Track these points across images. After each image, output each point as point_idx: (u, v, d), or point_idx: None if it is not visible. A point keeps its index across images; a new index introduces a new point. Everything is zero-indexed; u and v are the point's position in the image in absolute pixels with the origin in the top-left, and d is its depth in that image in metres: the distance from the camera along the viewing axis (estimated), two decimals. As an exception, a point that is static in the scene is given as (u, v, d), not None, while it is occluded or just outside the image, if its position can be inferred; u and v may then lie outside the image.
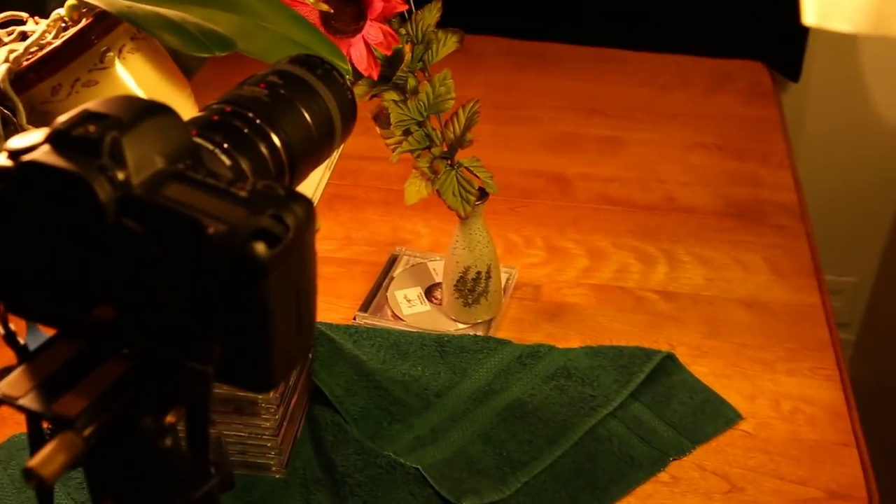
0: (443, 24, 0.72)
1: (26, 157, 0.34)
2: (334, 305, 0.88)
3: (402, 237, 0.98)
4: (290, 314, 0.37)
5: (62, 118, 0.35)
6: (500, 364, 0.80)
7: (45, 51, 0.52)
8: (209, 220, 0.34)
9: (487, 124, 1.16)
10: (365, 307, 0.87)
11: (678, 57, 1.33)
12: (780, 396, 0.78)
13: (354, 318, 0.86)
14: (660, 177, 1.08)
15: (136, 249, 0.35)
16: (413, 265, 0.92)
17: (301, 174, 0.47)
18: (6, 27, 0.56)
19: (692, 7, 1.34)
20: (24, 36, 0.56)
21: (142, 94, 0.56)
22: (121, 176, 0.34)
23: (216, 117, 0.43)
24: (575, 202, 1.03)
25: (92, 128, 0.34)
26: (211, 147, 0.41)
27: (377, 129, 0.75)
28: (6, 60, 0.51)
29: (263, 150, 0.43)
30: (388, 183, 1.05)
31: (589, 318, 0.87)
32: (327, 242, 0.97)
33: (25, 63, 0.52)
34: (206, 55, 0.50)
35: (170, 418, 0.39)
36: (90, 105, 0.35)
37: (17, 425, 0.75)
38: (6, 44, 0.55)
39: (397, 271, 0.92)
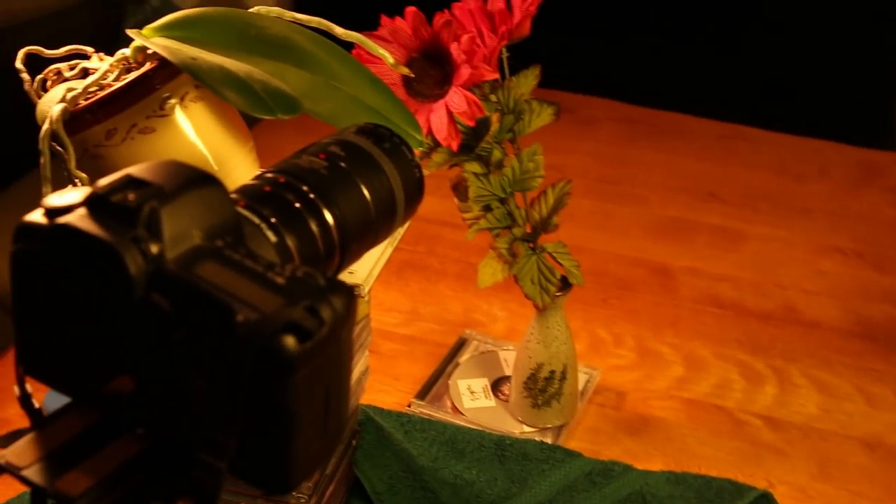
0: (548, 81, 0.74)
1: (61, 219, 0.37)
2: (389, 388, 0.91)
3: (475, 318, 1.00)
4: (317, 415, 0.39)
5: (103, 182, 0.38)
6: (566, 479, 0.80)
7: (104, 92, 0.57)
8: (240, 305, 0.36)
9: (587, 199, 1.18)
10: (422, 394, 0.89)
11: (818, 142, 1.32)
12: (893, 561, 0.76)
13: (409, 405, 0.88)
14: (780, 281, 1.07)
15: (162, 327, 0.38)
16: (482, 352, 0.94)
17: (354, 255, 0.49)
18: (69, 60, 0.61)
19: (838, 84, 1.33)
20: (85, 72, 0.60)
21: (200, 145, 0.60)
22: (154, 249, 0.37)
23: (268, 188, 0.46)
24: (677, 300, 1.04)
25: (131, 195, 0.37)
26: (257, 221, 0.44)
27: (455, 200, 0.78)
28: (63, 99, 0.55)
29: (314, 227, 0.46)
30: (466, 254, 1.07)
31: (677, 437, 0.86)
32: (391, 315, 1.00)
33: (83, 103, 0.56)
34: (268, 117, 0.54)
35: (176, 510, 0.41)
36: (133, 170, 0.39)
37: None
38: (67, 79, 0.60)
39: (464, 357, 0.93)
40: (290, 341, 0.36)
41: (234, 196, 0.45)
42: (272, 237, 0.44)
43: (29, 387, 0.44)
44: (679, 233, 1.15)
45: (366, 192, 0.49)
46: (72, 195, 0.39)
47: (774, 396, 0.91)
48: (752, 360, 0.96)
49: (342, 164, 0.48)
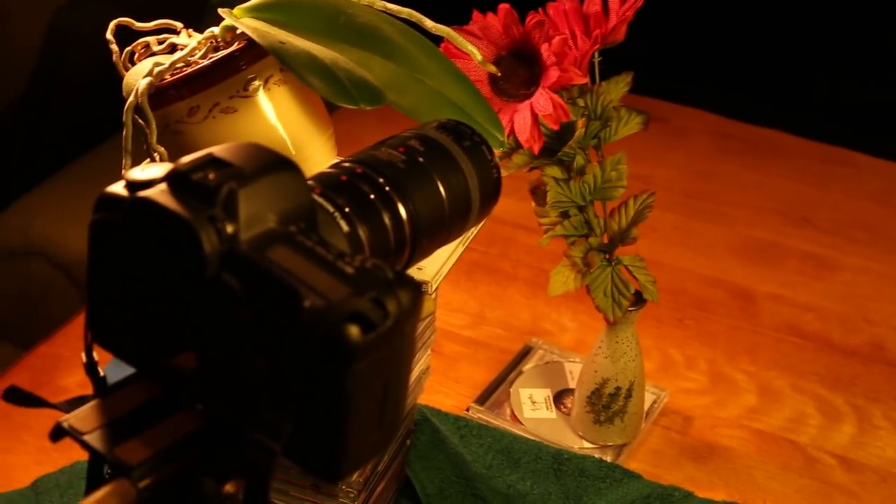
0: (641, 87, 0.75)
1: (142, 193, 0.40)
2: (449, 390, 0.93)
3: (543, 327, 1.01)
4: (374, 406, 0.41)
5: (185, 159, 0.41)
6: (623, 500, 0.81)
7: (190, 69, 0.60)
8: (308, 292, 0.39)
9: (671, 213, 1.18)
10: (482, 399, 0.91)
11: (926, 173, 1.31)
12: None
13: (468, 410, 0.90)
14: (870, 316, 1.06)
15: (230, 306, 0.40)
16: (547, 362, 0.95)
17: (424, 251, 0.52)
18: (158, 34, 0.65)
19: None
20: (173, 48, 0.64)
21: (280, 129, 0.62)
22: (230, 229, 0.39)
23: (344, 177, 0.48)
24: (757, 326, 1.04)
25: (212, 175, 0.40)
26: (331, 209, 0.46)
27: (532, 204, 0.79)
28: (150, 74, 0.59)
29: (386, 220, 0.48)
30: (539, 260, 1.09)
31: (743, 468, 0.87)
32: (457, 316, 1.02)
33: (168, 79, 0.60)
34: (351, 106, 0.56)
35: (229, 487, 0.43)
36: (215, 150, 0.41)
37: (84, 452, 0.83)
38: (154, 53, 0.64)
39: (528, 366, 0.95)
40: (353, 331, 0.38)
41: (310, 183, 0.47)
42: (344, 227, 0.46)
43: (95, 355, 0.47)
44: (765, 256, 1.14)
45: (442, 190, 0.51)
46: (154, 170, 0.42)
47: (852, 436, 0.91)
48: (831, 395, 0.95)
49: (420, 160, 0.50)
